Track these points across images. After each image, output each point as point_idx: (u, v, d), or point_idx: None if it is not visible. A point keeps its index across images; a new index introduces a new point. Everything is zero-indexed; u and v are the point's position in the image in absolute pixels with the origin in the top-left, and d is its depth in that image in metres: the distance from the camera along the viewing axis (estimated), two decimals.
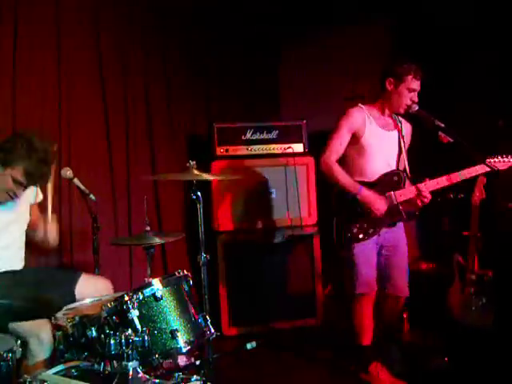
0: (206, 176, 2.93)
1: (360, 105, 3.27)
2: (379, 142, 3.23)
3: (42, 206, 2.98)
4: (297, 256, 4.31)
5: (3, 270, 2.77)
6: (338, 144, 3.21)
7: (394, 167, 3.29)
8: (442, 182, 3.20)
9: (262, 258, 4.23)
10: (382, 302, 3.36)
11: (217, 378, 2.81)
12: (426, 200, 3.15)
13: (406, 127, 3.38)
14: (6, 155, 2.62)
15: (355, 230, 3.17)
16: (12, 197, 2.69)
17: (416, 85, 3.17)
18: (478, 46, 4.13)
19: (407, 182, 3.26)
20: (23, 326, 2.48)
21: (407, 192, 3.20)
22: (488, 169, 3.18)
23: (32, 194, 2.95)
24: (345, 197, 3.18)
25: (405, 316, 3.97)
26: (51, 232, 2.94)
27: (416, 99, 3.18)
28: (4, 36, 3.66)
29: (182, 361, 3.15)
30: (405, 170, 3.28)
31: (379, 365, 3.24)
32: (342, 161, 3.27)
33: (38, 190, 2.98)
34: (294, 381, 3.40)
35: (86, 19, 4.09)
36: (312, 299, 4.30)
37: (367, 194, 3.14)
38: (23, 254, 2.94)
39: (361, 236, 3.18)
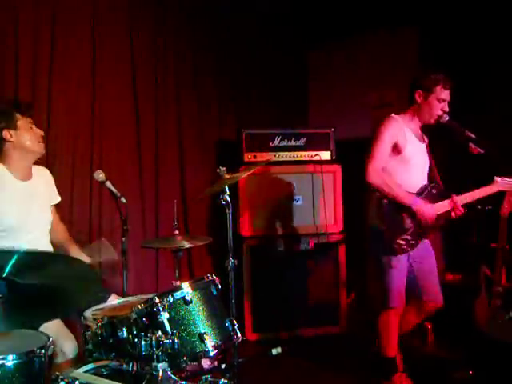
0: (237, 175, 2.93)
1: (394, 115, 3.24)
2: (418, 153, 3.24)
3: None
4: (321, 264, 4.31)
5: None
6: (382, 154, 3.17)
7: (426, 179, 3.29)
8: (472, 196, 3.20)
9: (287, 264, 4.24)
10: (408, 309, 3.35)
11: (241, 382, 2.83)
12: (459, 213, 3.17)
13: (426, 139, 3.38)
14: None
15: (402, 242, 3.15)
16: (41, 140, 2.82)
17: (446, 95, 3.16)
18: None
19: (442, 195, 3.26)
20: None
21: (445, 204, 3.20)
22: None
23: (49, 191, 3.00)
24: (395, 207, 3.15)
25: (429, 327, 3.94)
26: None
27: (447, 109, 3.18)
28: (41, 41, 3.75)
29: (205, 364, 3.18)
30: (438, 182, 3.28)
31: (404, 375, 3.23)
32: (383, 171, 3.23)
33: (54, 188, 3.04)
34: None
35: (119, 20, 4.17)
36: (336, 307, 4.31)
37: (421, 205, 3.13)
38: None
39: (406, 248, 3.17)
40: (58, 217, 3.06)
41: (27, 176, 2.85)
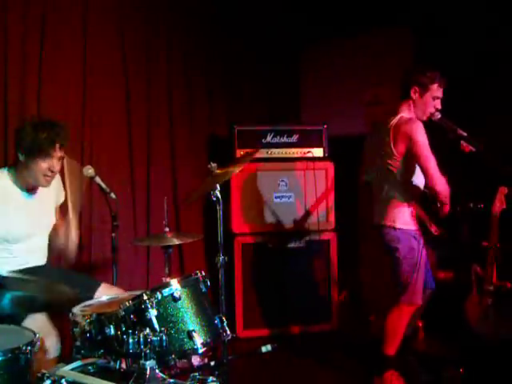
0: (229, 170, 2.92)
1: (409, 116, 3.18)
2: None
3: (63, 208, 3.02)
4: (313, 260, 4.30)
5: (24, 267, 2.80)
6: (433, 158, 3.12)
7: None
8: None
9: (279, 261, 4.23)
10: None
11: (231, 379, 2.82)
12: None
13: None
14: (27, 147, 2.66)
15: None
16: (49, 175, 2.72)
17: (440, 92, 3.17)
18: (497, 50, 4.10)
19: None
20: None
21: None
22: None
23: (56, 195, 2.99)
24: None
25: (420, 325, 3.94)
26: (70, 237, 2.94)
27: (439, 106, 3.18)
28: (31, 40, 3.71)
29: (195, 361, 3.16)
30: None
31: (396, 374, 3.21)
32: (408, 171, 3.20)
33: (61, 189, 3.02)
34: None
35: (111, 18, 4.13)
36: (327, 304, 4.30)
37: None
38: (46, 253, 2.97)
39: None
40: (61, 215, 3.04)
41: (36, 188, 2.83)
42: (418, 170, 3.17)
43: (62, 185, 3.01)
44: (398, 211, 3.20)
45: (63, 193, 3.03)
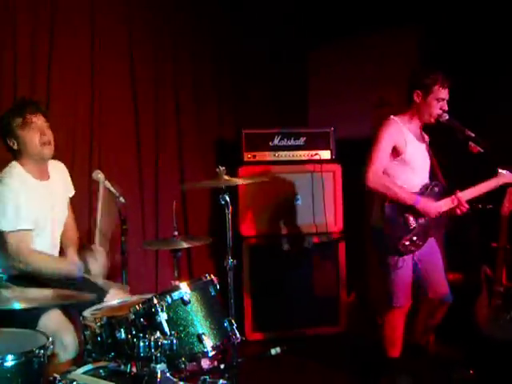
0: (236, 181, 2.94)
1: (392, 117, 3.22)
2: (418, 154, 3.23)
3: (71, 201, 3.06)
4: (321, 263, 4.30)
5: None
6: (382, 157, 3.15)
7: (428, 179, 3.28)
8: (476, 191, 3.20)
9: (287, 263, 4.24)
10: (420, 309, 3.37)
11: (241, 382, 2.82)
12: (464, 209, 3.16)
13: (426, 137, 3.37)
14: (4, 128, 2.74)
15: (407, 243, 3.13)
16: (45, 141, 2.76)
17: (444, 93, 3.14)
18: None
19: (445, 193, 3.25)
20: (47, 330, 2.51)
21: (448, 202, 3.18)
22: None
23: (64, 184, 3.02)
24: (398, 209, 3.13)
25: None
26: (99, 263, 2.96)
27: (446, 108, 3.17)
28: (40, 41, 3.74)
29: (205, 364, 3.16)
30: (440, 180, 3.27)
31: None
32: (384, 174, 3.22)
33: (69, 182, 3.06)
34: None
35: (118, 19, 4.15)
36: (336, 306, 4.30)
37: (425, 202, 3.12)
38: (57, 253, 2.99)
39: (412, 249, 3.15)
40: (71, 211, 3.08)
41: (44, 176, 2.87)
42: (400, 171, 3.17)
43: (69, 177, 3.05)
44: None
45: (71, 186, 3.07)
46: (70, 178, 3.08)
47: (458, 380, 3.35)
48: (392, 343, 3.25)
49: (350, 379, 3.49)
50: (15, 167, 2.77)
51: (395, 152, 3.17)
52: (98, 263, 2.94)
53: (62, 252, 2.99)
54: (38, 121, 2.75)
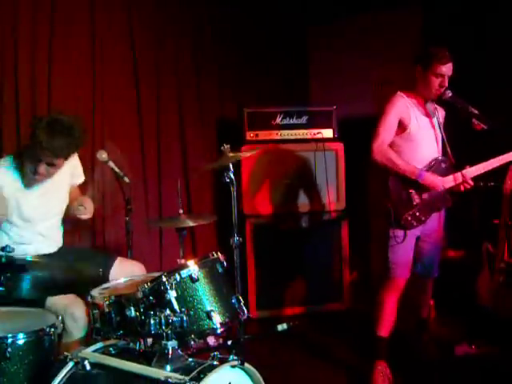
0: (243, 154, 2.92)
1: (400, 92, 3.21)
2: (424, 129, 3.21)
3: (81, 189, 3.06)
4: (324, 241, 4.33)
5: (42, 253, 2.84)
6: (388, 131, 3.14)
7: (437, 154, 3.26)
8: (482, 167, 3.20)
9: (290, 242, 4.25)
10: (410, 286, 3.36)
11: (248, 358, 2.85)
12: (468, 186, 3.16)
13: (441, 112, 3.35)
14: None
15: (409, 218, 3.13)
16: (35, 178, 2.71)
17: (442, 70, 3.09)
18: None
19: (452, 169, 3.24)
20: (57, 305, 2.55)
21: (454, 178, 3.18)
22: None
23: (71, 175, 3.01)
24: (402, 183, 3.12)
25: (432, 303, 3.96)
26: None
27: (445, 84, 3.13)
28: (40, 34, 3.68)
29: (211, 341, 3.21)
30: (449, 156, 3.26)
31: (384, 365, 3.20)
32: (393, 144, 3.20)
33: (79, 170, 3.04)
34: (319, 366, 3.46)
35: (118, 7, 4.09)
36: (339, 284, 4.35)
37: (429, 177, 3.11)
38: (61, 235, 3.01)
39: (414, 223, 3.15)
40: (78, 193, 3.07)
41: None
42: (406, 146, 3.17)
43: (80, 166, 3.03)
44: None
45: (81, 174, 3.06)
46: (80, 168, 3.05)
47: (460, 355, 3.39)
48: (382, 321, 3.22)
49: (354, 355, 3.53)
50: (5, 161, 2.78)
51: (401, 126, 3.16)
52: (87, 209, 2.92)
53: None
54: (44, 161, 2.65)
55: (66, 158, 2.70)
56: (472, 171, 3.18)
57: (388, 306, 3.22)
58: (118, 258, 2.98)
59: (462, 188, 3.18)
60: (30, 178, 2.77)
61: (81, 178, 3.08)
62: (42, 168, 2.67)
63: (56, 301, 2.54)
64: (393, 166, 3.11)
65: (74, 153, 2.75)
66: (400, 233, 3.15)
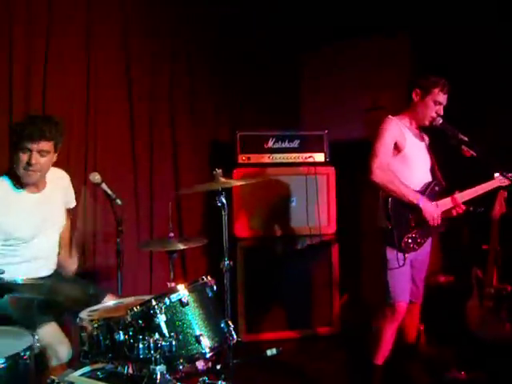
0: (234, 182, 2.95)
1: (390, 116, 3.23)
2: (418, 152, 3.24)
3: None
4: (315, 264, 4.33)
5: (36, 276, 2.81)
6: (386, 152, 3.13)
7: (429, 176, 3.28)
8: (473, 192, 3.23)
9: (281, 265, 4.26)
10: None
11: (237, 383, 2.84)
12: (460, 210, 3.18)
13: (426, 138, 3.40)
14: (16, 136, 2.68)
15: (410, 241, 3.13)
16: (30, 169, 2.70)
17: (442, 98, 3.17)
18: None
19: (444, 193, 3.26)
20: (42, 340, 2.49)
21: (447, 202, 3.20)
22: (507, 182, 3.24)
23: (65, 195, 3.01)
24: (401, 205, 3.11)
25: (422, 328, 3.97)
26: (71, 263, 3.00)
27: (441, 112, 3.19)
28: (36, 47, 3.69)
29: (200, 365, 3.18)
30: (440, 179, 3.29)
31: None
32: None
33: (71, 192, 3.06)
34: None
35: (114, 18, 4.13)
36: (329, 307, 4.33)
37: (427, 203, 3.11)
38: (53, 264, 2.98)
39: (414, 247, 3.15)
40: (68, 222, 3.07)
41: (39, 187, 2.85)
42: (400, 168, 3.16)
43: (71, 188, 3.04)
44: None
45: (73, 198, 3.06)
46: (71, 189, 3.06)
47: (449, 381, 3.38)
48: (379, 349, 3.21)
49: (345, 379, 3.52)
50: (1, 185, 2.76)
51: (396, 148, 3.16)
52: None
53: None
54: (33, 148, 2.67)
55: (52, 140, 2.70)
56: (462, 196, 3.21)
57: (387, 334, 3.20)
58: (109, 295, 2.94)
59: (454, 213, 3.20)
60: (19, 199, 2.76)
61: (73, 203, 3.08)
62: (34, 157, 2.67)
63: (41, 337, 2.47)
64: (394, 188, 3.08)
65: (56, 137, 2.73)
66: (400, 256, 3.12)
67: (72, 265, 2.99)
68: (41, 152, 2.69)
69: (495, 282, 3.61)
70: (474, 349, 3.53)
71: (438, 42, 4.40)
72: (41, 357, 2.36)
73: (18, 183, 2.77)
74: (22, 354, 2.04)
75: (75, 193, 3.14)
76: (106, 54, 4.06)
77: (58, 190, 2.94)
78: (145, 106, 4.30)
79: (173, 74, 4.46)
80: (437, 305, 3.74)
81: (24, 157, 2.67)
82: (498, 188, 3.36)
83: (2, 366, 1.98)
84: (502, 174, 3.23)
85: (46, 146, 2.69)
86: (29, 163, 2.67)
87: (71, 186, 3.06)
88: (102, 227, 3.89)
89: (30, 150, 2.66)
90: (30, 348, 2.07)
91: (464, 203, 3.22)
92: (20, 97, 3.61)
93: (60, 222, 2.98)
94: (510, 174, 3.23)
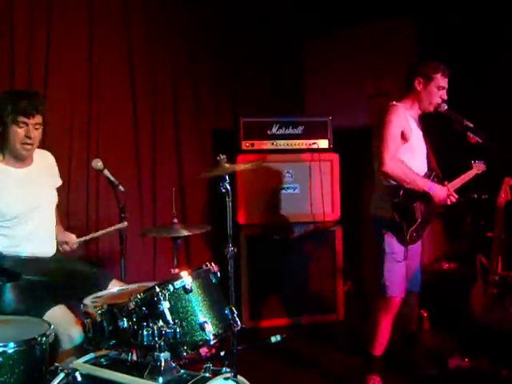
0: (238, 166, 2.91)
1: (395, 103, 3.17)
2: (419, 140, 3.22)
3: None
4: (319, 251, 4.33)
5: (36, 254, 2.81)
6: (395, 142, 3.07)
7: (426, 165, 3.25)
8: (459, 181, 3.27)
9: (284, 252, 4.25)
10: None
11: (241, 369, 2.83)
12: (454, 199, 3.16)
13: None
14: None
15: (414, 234, 3.11)
16: (28, 142, 2.71)
17: (445, 82, 3.15)
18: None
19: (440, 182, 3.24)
20: (54, 323, 2.51)
21: (444, 190, 3.18)
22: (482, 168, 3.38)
23: (51, 174, 2.99)
24: (410, 198, 3.08)
25: (425, 315, 3.97)
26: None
27: (445, 97, 3.16)
28: (37, 35, 3.70)
29: (203, 352, 3.18)
30: (436, 168, 3.27)
31: (378, 379, 3.19)
32: None
33: (56, 171, 3.03)
34: (312, 378, 3.44)
35: (116, 7, 4.11)
36: (333, 295, 4.33)
37: (438, 189, 3.11)
38: (54, 239, 2.97)
39: (416, 239, 3.15)
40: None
41: (26, 163, 2.83)
42: (406, 157, 3.11)
43: (56, 167, 3.01)
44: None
45: (58, 177, 3.03)
46: (57, 169, 3.03)
47: (452, 368, 3.38)
48: (376, 340, 3.19)
49: (347, 367, 3.52)
50: None
51: (403, 137, 3.12)
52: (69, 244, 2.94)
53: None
54: (29, 122, 2.68)
55: (43, 114, 2.72)
56: (453, 185, 3.22)
57: (383, 326, 3.18)
58: (114, 280, 2.93)
59: (448, 201, 3.17)
60: (7, 176, 2.75)
61: (59, 181, 3.04)
62: (32, 131, 2.69)
63: (51, 319, 2.49)
64: (406, 179, 3.04)
65: (44, 111, 2.74)
66: (400, 249, 3.10)
67: (66, 238, 2.95)
68: (35, 125, 2.71)
69: (500, 269, 3.59)
70: (478, 336, 3.52)
71: (442, 28, 4.36)
72: (54, 343, 2.37)
73: (6, 160, 2.76)
74: (39, 339, 2.08)
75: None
76: (107, 36, 4.04)
77: (44, 167, 2.92)
78: (148, 92, 4.30)
79: (175, 61, 4.43)
80: (440, 292, 3.74)
81: (21, 131, 2.68)
82: (504, 175, 3.35)
83: (18, 348, 2.03)
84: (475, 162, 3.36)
85: (39, 119, 2.72)
86: (28, 136, 2.69)
87: (56, 165, 3.03)
88: (106, 214, 3.89)
89: (27, 125, 2.68)
90: (45, 334, 2.11)
91: (469, 191, 3.21)
92: (22, 85, 3.59)
93: (52, 195, 2.95)
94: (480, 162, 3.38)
